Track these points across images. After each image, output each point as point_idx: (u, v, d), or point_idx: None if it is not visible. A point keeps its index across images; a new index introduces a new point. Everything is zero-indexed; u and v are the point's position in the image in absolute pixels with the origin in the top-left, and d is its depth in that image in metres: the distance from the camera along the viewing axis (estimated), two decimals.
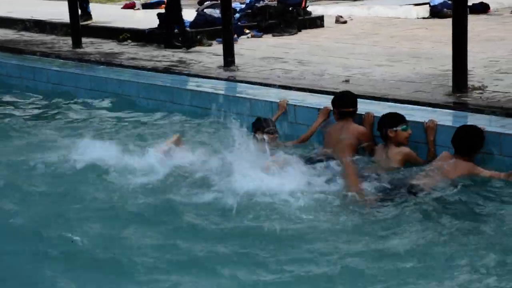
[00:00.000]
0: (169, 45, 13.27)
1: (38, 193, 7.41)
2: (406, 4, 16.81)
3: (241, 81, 10.62)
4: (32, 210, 6.81)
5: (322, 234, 5.84)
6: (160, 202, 7.12)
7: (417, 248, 5.35)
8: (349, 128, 7.76)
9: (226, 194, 6.95)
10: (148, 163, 8.03)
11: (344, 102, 8.02)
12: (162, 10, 15.97)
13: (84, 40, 14.48)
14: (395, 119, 7.33)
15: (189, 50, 12.98)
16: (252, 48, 12.63)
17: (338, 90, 8.85)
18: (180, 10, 13.59)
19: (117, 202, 7.08)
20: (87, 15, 15.91)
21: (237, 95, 10.08)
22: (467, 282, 4.87)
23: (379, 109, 7.94)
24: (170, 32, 13.41)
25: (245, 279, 5.25)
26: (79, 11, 15.33)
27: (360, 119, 7.97)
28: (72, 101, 11.46)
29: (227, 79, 10.81)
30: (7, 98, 12.26)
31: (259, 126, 8.31)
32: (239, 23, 14.26)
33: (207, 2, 17.02)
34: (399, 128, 7.15)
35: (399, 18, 15.71)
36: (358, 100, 8.26)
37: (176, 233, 6.39)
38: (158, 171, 7.85)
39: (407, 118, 7.34)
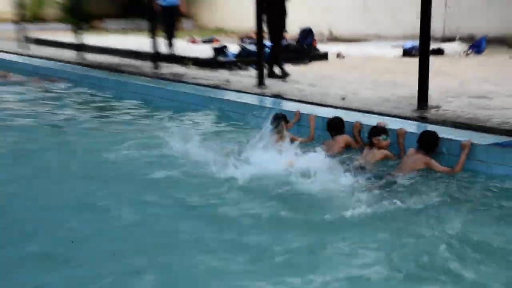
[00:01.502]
0: (271, 74, 12.20)
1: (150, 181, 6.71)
2: (386, 46, 16.70)
3: (268, 96, 10.55)
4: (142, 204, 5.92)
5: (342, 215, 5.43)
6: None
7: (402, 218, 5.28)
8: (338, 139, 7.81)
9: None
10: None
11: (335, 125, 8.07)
12: (216, 44, 15.92)
13: (161, 64, 14.32)
14: (379, 130, 7.40)
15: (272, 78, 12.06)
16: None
17: (338, 105, 9.14)
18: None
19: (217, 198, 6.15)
20: (171, 46, 15.44)
21: (265, 105, 9.73)
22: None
23: (365, 119, 7.96)
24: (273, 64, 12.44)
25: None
26: (167, 42, 15.31)
27: (350, 127, 8.00)
28: (152, 107, 11.22)
29: (259, 94, 10.73)
30: (110, 103, 11.97)
31: (276, 121, 8.13)
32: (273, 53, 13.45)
33: (246, 39, 17.33)
34: (381, 138, 7.25)
35: (381, 56, 15.40)
36: (351, 113, 8.50)
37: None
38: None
39: (387, 127, 7.44)
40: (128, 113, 10.96)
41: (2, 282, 4.71)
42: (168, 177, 7.01)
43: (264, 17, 11.60)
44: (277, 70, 12.33)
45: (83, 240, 5.20)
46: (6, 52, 18.41)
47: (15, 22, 21.70)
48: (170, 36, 15.34)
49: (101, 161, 7.72)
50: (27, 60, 16.68)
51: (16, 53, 18.08)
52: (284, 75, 12.20)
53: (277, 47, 12.43)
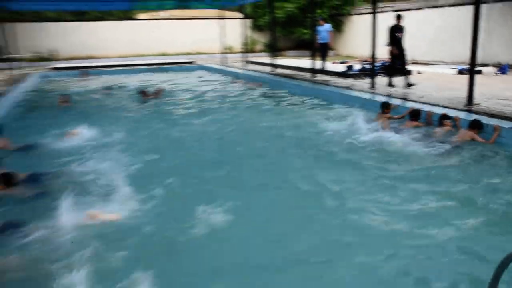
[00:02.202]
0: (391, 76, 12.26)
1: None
2: (447, 68, 16.09)
3: (377, 94, 10.81)
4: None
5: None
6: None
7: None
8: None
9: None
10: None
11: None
12: (347, 64, 15.83)
13: (316, 75, 15.04)
14: (447, 117, 7.60)
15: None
16: (381, 83, 12.34)
17: (419, 101, 9.44)
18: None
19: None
20: (323, 65, 15.73)
21: (374, 99, 10.20)
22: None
23: (436, 110, 8.39)
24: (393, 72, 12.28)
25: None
26: (321, 63, 15.69)
27: (425, 114, 8.22)
28: (312, 101, 11.86)
29: (371, 93, 11.12)
30: (287, 97, 12.95)
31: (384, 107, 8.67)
32: (380, 70, 13.98)
33: (364, 62, 17.17)
34: (448, 121, 7.49)
35: (445, 74, 15.03)
36: (427, 106, 8.78)
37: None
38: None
39: (450, 115, 7.75)
40: (297, 103, 11.71)
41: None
42: (329, 142, 7.41)
43: (389, 47, 11.85)
44: (390, 80, 12.22)
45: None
46: (237, 68, 20.19)
47: (241, 52, 24.26)
48: (323, 59, 15.93)
49: (281, 135, 8.18)
50: (246, 72, 18.26)
51: (242, 69, 19.68)
52: (391, 84, 12.11)
53: (392, 65, 12.30)
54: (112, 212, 4.62)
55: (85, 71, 20.50)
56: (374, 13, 11.65)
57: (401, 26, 11.85)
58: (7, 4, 18.97)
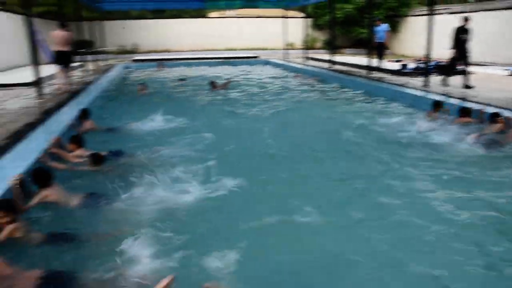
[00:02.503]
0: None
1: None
2: (499, 69, 15.14)
3: (431, 92, 10.47)
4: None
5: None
6: None
7: None
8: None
9: None
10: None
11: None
12: (402, 63, 15.46)
13: (372, 72, 14.58)
14: (498, 114, 7.22)
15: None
16: (435, 82, 11.83)
17: (473, 100, 9.07)
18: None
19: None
20: (379, 63, 15.18)
21: (427, 97, 9.86)
22: None
23: (487, 108, 7.94)
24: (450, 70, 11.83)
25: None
26: (377, 61, 15.17)
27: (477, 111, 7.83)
28: (367, 97, 11.55)
29: (424, 90, 10.74)
30: (342, 90, 12.79)
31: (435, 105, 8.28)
32: (434, 69, 13.39)
33: (419, 61, 16.38)
34: (501, 117, 7.07)
35: (495, 74, 14.27)
36: (477, 105, 8.35)
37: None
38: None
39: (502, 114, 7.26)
40: (353, 98, 11.56)
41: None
42: (388, 133, 7.33)
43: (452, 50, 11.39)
44: (444, 79, 11.83)
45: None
46: (298, 63, 19.73)
47: (302, 49, 23.93)
48: (379, 58, 15.45)
49: (338, 128, 7.89)
50: (306, 68, 17.95)
51: (302, 64, 19.31)
52: (445, 82, 11.70)
53: (450, 66, 11.89)
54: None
55: (161, 63, 20.96)
56: (430, 14, 11.39)
57: (466, 28, 11.40)
58: (102, 5, 20.23)
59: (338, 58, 19.15)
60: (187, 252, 3.58)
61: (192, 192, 4.69)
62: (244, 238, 3.80)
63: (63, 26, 11.38)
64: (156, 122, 8.29)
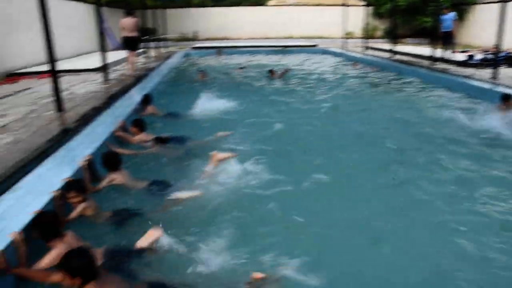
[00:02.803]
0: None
1: None
2: None
3: (497, 84, 10.17)
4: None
5: None
6: None
7: None
8: None
9: None
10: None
11: None
12: (468, 53, 14.91)
13: (435, 62, 14.32)
14: None
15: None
16: (505, 74, 11.46)
17: None
18: None
19: None
20: (444, 53, 14.71)
21: (494, 89, 9.55)
22: None
23: None
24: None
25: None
26: (442, 51, 14.74)
27: None
28: (430, 88, 11.36)
29: (491, 83, 10.45)
30: (401, 81, 12.48)
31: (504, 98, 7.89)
32: (503, 61, 12.90)
33: (487, 51, 15.35)
34: None
35: None
36: None
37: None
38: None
39: None
40: (414, 90, 11.27)
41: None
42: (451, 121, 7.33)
43: None
44: None
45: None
46: (357, 52, 19.33)
47: (361, 38, 23.83)
48: (445, 48, 14.88)
49: (398, 119, 7.93)
50: (365, 57, 17.69)
51: (361, 53, 19.00)
52: None
53: None
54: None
55: (220, 50, 21.27)
56: (503, 1, 10.71)
57: None
58: None
59: (399, 47, 18.77)
60: (245, 239, 3.62)
61: (250, 179, 4.72)
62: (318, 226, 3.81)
63: (130, 13, 12.09)
64: (216, 108, 8.41)
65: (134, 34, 12.00)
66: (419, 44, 23.83)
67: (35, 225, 3.28)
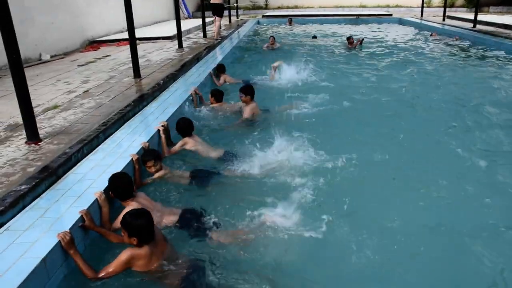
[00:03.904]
0: None
1: None
2: None
3: None
4: None
5: None
6: None
7: None
8: None
9: None
10: None
11: None
12: None
13: None
14: None
15: None
16: None
17: None
18: None
19: None
20: None
21: None
22: None
23: None
24: None
25: None
26: None
27: None
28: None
29: None
30: (489, 57, 11.58)
31: None
32: None
33: None
34: None
35: None
36: None
37: None
38: None
39: None
40: (499, 63, 10.53)
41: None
42: None
43: None
44: None
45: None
46: (435, 22, 18.45)
47: (440, 7, 22.99)
48: None
49: (478, 93, 7.37)
50: (444, 27, 16.80)
51: (440, 23, 18.02)
52: None
53: None
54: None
55: (291, 19, 21.04)
56: None
57: None
58: None
59: (482, 17, 17.67)
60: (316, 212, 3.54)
61: (324, 154, 4.58)
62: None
63: None
64: (289, 78, 8.24)
65: (220, 1, 12.83)
66: (506, 13, 22.30)
67: (111, 185, 3.42)
